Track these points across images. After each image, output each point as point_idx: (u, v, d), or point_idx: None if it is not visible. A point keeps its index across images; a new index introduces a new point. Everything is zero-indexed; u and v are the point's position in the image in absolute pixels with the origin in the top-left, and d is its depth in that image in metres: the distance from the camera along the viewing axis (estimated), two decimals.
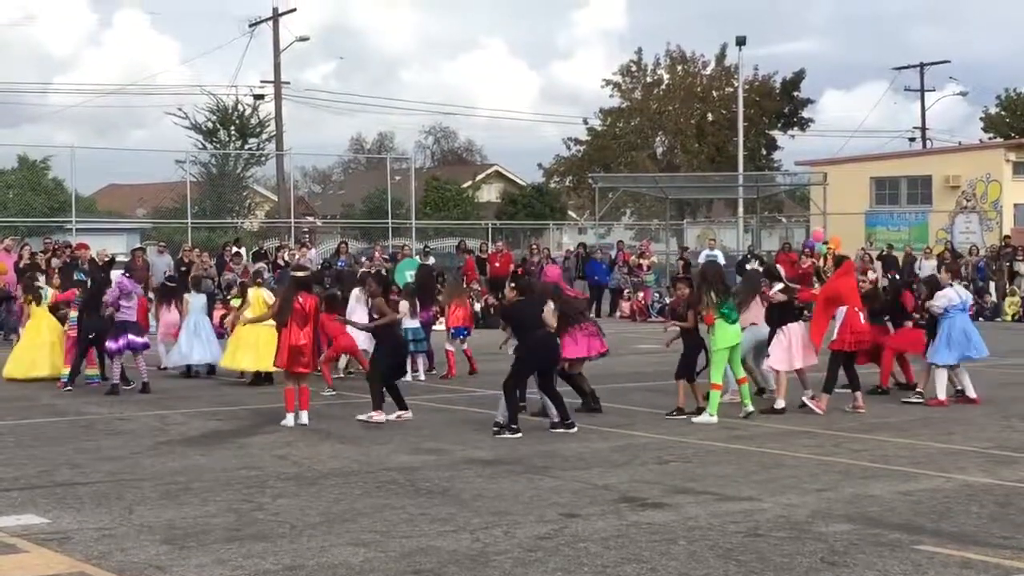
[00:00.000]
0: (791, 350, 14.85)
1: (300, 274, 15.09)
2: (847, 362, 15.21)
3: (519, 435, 12.97)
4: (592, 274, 34.65)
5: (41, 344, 18.94)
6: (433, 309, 19.83)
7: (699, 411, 14.27)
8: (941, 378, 15.56)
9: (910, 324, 16.63)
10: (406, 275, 23.66)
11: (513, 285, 14.02)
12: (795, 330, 14.98)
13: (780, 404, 14.76)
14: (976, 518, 9.12)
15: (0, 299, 26.14)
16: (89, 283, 18.19)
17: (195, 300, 19.43)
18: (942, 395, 15.49)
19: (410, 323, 18.15)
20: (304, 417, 13.97)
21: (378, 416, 14.03)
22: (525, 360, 13.42)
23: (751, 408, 14.45)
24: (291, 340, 13.87)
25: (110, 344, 17.20)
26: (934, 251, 36.93)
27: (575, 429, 13.32)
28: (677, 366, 14.72)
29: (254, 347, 17.78)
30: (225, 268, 28.42)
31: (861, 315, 15.09)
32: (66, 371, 17.93)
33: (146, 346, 17.66)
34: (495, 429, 13.24)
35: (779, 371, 14.97)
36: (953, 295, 15.67)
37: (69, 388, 17.56)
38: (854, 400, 15.04)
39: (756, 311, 15.41)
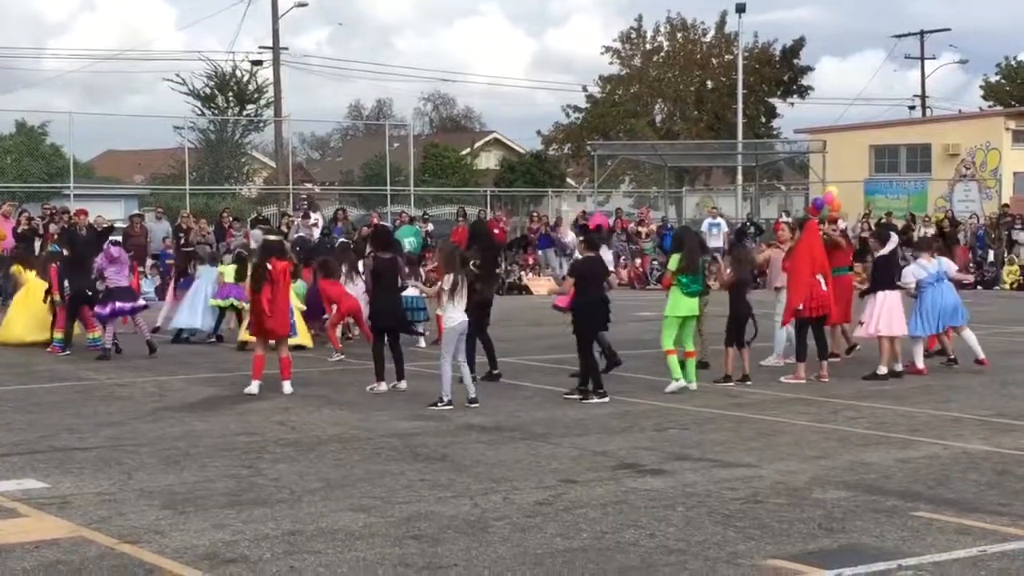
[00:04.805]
0: (892, 314, 15.09)
1: (271, 238, 14.99)
2: (814, 329, 15.00)
3: (606, 399, 13.14)
4: None
5: (29, 310, 18.95)
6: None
7: (744, 379, 14.42)
8: (918, 349, 15.68)
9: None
10: (405, 242, 23.77)
11: (583, 239, 13.96)
12: (892, 297, 15.20)
13: (883, 370, 14.98)
14: (974, 485, 9.14)
15: None
16: (65, 251, 18.24)
17: (208, 271, 19.56)
18: (920, 363, 15.58)
19: (409, 291, 18.18)
20: (287, 387, 13.79)
21: (380, 386, 14.00)
22: (581, 319, 13.41)
23: (693, 386, 13.92)
24: (259, 307, 13.74)
25: (99, 310, 17.25)
26: (933, 219, 36.92)
27: (607, 399, 13.26)
28: (725, 333, 14.71)
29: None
30: (226, 235, 28.48)
31: (821, 281, 14.72)
32: (58, 335, 17.99)
33: (135, 309, 17.60)
34: (580, 398, 13.32)
35: (883, 336, 15.12)
36: (918, 270, 15.70)
37: (67, 352, 17.59)
38: (820, 368, 14.86)
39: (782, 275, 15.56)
